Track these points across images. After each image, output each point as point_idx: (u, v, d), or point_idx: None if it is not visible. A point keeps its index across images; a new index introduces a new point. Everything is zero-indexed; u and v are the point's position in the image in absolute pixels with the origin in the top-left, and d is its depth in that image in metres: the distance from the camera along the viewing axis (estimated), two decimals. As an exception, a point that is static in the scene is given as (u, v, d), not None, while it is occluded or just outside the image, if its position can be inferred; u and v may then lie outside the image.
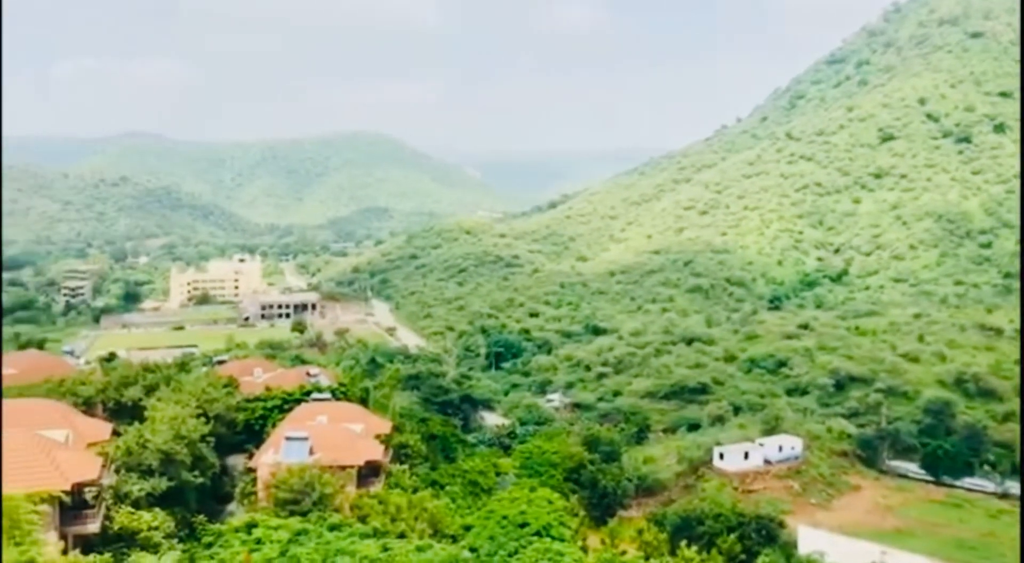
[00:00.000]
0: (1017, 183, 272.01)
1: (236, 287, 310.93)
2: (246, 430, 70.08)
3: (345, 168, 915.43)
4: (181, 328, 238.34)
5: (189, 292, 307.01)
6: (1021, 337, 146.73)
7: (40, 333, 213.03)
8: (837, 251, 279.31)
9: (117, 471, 48.96)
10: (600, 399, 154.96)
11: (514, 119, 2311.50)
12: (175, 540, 45.62)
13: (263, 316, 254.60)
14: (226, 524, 49.78)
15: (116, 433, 56.04)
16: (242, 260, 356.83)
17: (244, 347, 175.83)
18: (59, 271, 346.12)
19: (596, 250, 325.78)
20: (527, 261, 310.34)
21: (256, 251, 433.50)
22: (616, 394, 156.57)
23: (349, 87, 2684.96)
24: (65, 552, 36.43)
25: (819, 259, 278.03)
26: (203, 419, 58.80)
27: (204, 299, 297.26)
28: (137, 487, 48.04)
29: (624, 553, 60.94)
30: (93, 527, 43.23)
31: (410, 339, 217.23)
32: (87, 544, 41.83)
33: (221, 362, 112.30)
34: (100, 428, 56.78)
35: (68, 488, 41.44)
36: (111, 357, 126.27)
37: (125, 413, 67.48)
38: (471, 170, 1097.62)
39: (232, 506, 60.68)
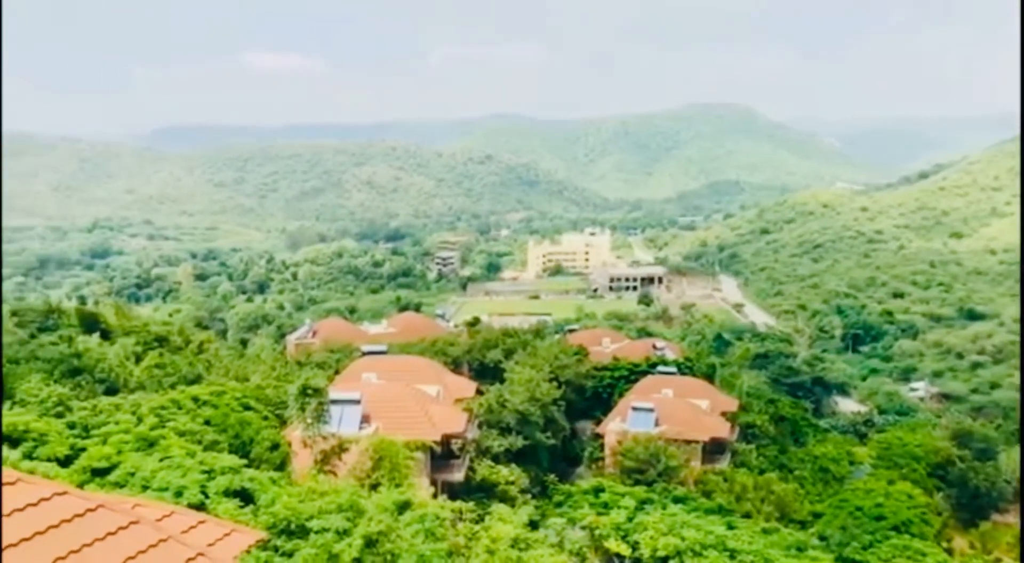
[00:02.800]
0: None
1: (587, 260, 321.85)
2: (594, 397, 72.44)
3: (695, 141, 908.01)
4: (536, 297, 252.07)
5: (544, 263, 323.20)
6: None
7: (416, 297, 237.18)
8: None
9: (479, 426, 52.85)
10: (974, 391, 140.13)
11: (878, 84, 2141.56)
12: (528, 496, 48.26)
13: (611, 288, 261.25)
14: (575, 486, 51.90)
15: (479, 391, 60.47)
16: (593, 234, 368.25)
17: (593, 317, 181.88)
18: (433, 242, 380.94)
19: (974, 226, 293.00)
20: (892, 237, 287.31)
21: (606, 225, 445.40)
22: (993, 386, 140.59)
23: (702, 59, 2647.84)
24: (434, 496, 40.03)
25: None
26: (555, 384, 61.49)
27: (557, 270, 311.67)
28: (496, 442, 51.52)
29: (999, 561, 54.69)
30: (458, 476, 47.06)
31: (758, 317, 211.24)
32: (452, 491, 45.64)
33: (572, 331, 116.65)
34: (466, 386, 61.52)
35: (438, 438, 45.46)
36: (475, 322, 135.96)
37: (487, 373, 72.78)
38: (829, 140, 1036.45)
39: (580, 469, 63.13)
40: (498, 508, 35.81)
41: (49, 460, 27.69)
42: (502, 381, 61.37)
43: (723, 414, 65.33)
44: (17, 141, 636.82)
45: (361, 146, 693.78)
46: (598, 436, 62.78)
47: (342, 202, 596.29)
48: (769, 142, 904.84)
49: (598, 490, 48.31)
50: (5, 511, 8.84)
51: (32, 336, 63.84)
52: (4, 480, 9.29)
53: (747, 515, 48.48)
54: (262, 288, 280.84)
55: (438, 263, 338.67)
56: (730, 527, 42.46)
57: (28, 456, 27.42)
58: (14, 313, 77.21)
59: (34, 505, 9.16)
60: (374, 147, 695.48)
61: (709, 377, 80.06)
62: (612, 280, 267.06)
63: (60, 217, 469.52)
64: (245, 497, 26.06)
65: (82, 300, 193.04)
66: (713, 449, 60.95)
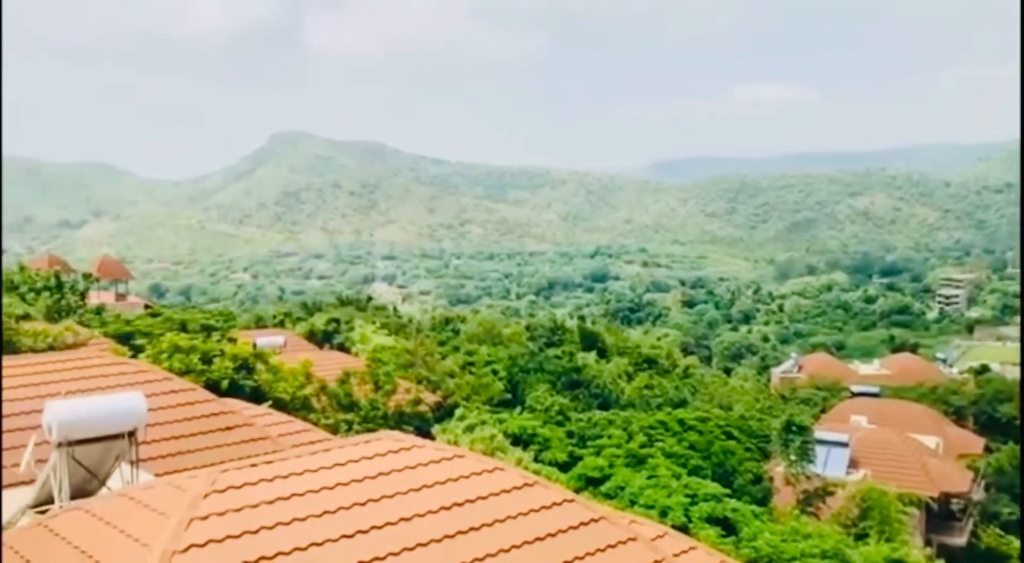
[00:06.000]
0: None
1: None
2: None
3: None
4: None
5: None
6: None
7: (913, 337, 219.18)
8: None
9: (987, 488, 47.03)
10: None
11: None
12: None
13: None
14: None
15: (987, 449, 53.97)
16: None
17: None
18: (935, 278, 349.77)
19: None
20: None
21: None
22: None
23: None
24: (930, 560, 36.33)
25: None
26: None
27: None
28: (1008, 509, 45.39)
29: None
30: (959, 540, 42.32)
31: None
32: (951, 556, 41.06)
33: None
34: (970, 441, 55.38)
35: (936, 495, 41.30)
36: (984, 369, 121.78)
37: (997, 429, 64.56)
38: None
39: None
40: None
41: (551, 464, 30.44)
42: (1016, 439, 53.90)
43: None
44: (536, 176, 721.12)
45: (857, 176, 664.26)
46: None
47: (834, 234, 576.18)
48: None
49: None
50: (523, 510, 9.71)
51: (540, 349, 71.13)
52: (524, 482, 10.24)
53: None
54: (747, 318, 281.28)
55: (940, 302, 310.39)
56: None
57: (536, 458, 30.41)
58: (528, 328, 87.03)
59: (547, 508, 9.93)
60: (872, 176, 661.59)
61: None
62: None
63: (567, 243, 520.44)
64: (726, 527, 25.97)
65: (582, 319, 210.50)
66: None
